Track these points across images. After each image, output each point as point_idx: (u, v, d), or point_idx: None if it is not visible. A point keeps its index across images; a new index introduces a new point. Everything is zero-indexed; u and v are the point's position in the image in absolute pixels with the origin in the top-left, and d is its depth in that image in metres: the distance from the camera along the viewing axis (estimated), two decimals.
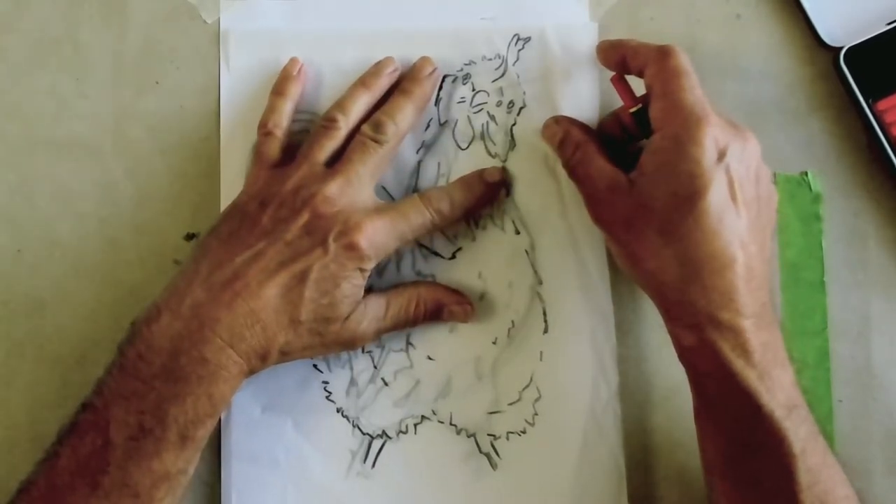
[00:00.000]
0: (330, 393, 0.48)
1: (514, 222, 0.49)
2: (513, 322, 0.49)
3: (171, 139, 0.50)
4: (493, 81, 0.50)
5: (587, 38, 0.50)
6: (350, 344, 0.45)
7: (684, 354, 0.42)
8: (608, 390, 0.48)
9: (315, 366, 0.48)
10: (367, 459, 0.48)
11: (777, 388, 0.40)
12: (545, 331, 0.48)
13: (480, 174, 0.48)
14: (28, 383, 0.49)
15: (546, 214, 0.49)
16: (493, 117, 0.49)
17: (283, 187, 0.44)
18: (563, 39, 0.49)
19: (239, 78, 0.50)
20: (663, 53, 0.42)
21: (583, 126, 0.47)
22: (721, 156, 0.40)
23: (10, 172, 0.50)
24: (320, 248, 0.42)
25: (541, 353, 0.48)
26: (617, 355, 0.48)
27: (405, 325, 0.47)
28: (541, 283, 0.49)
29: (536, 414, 0.48)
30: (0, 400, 0.49)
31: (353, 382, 0.49)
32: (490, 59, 0.49)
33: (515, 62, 0.49)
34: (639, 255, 0.41)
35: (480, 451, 0.48)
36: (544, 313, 0.49)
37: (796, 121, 0.50)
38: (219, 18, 0.50)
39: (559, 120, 0.47)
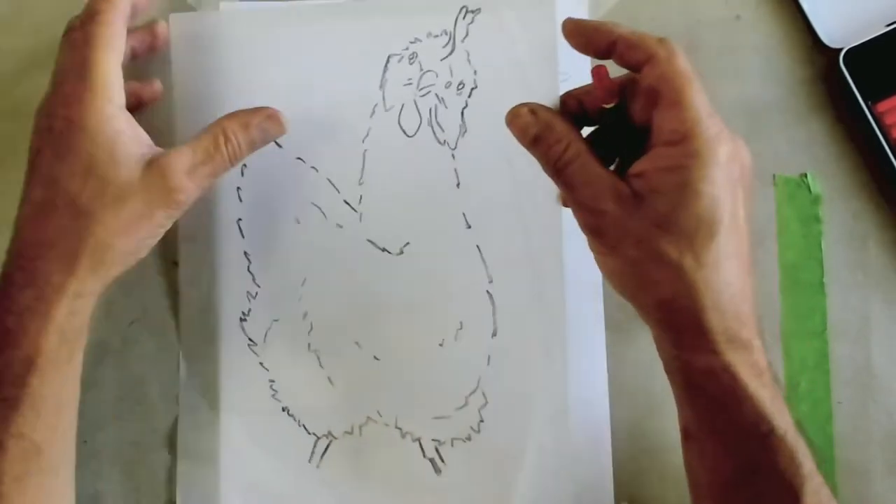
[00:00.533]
0: (276, 392, 0.48)
1: (464, 215, 0.47)
2: (461, 324, 0.47)
3: (170, 139, 0.50)
4: (442, 60, 0.46)
5: (546, 6, 0.46)
6: (172, 203, 0.41)
7: (694, 379, 0.39)
8: (564, 396, 0.47)
9: (261, 364, 0.48)
10: (312, 459, 0.48)
11: (784, 408, 0.39)
12: (494, 333, 0.47)
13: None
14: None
15: (498, 207, 0.47)
16: (442, 100, 0.47)
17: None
18: (519, 9, 0.46)
19: (185, 70, 0.47)
20: (670, 52, 0.38)
21: (564, 117, 0.40)
22: (737, 175, 0.38)
23: (10, 173, 0.50)
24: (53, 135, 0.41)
25: (488, 357, 0.47)
26: (600, 356, 0.48)
27: (227, 162, 0.43)
28: (491, 281, 0.47)
29: (482, 420, 0.47)
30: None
31: (299, 381, 0.48)
32: (437, 36, 0.46)
33: (465, 38, 0.46)
34: (652, 278, 0.38)
35: (424, 456, 0.47)
36: (494, 314, 0.47)
37: (796, 122, 0.50)
38: None
39: (535, 110, 0.40)
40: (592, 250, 0.40)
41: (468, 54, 0.46)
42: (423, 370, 0.47)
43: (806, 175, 0.50)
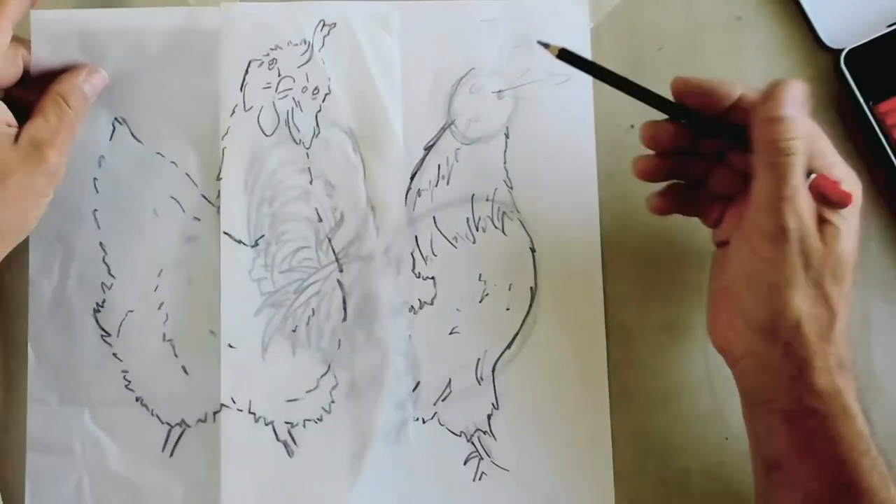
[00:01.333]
0: (129, 382, 0.49)
1: (317, 210, 0.49)
2: (313, 311, 0.49)
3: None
4: (299, 67, 0.50)
5: (392, 25, 0.50)
6: (49, 170, 0.44)
7: (807, 401, 0.40)
8: (410, 372, 0.49)
9: (115, 354, 0.49)
10: (166, 448, 0.48)
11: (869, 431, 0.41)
12: (344, 319, 0.49)
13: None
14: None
15: (348, 204, 0.49)
16: (298, 103, 0.50)
17: None
18: (367, 26, 0.50)
19: (44, 67, 0.48)
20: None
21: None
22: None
23: None
24: None
25: (339, 340, 0.49)
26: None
27: (75, 120, 0.46)
28: (341, 270, 0.49)
29: (333, 402, 0.48)
30: (0, 401, 0.49)
31: (153, 371, 0.49)
32: (296, 45, 0.50)
33: (321, 48, 0.50)
34: (808, 302, 0.40)
35: (277, 439, 0.48)
36: (343, 300, 0.49)
37: None
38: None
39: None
40: (747, 279, 0.41)
41: (323, 62, 0.49)
42: (275, 356, 0.49)
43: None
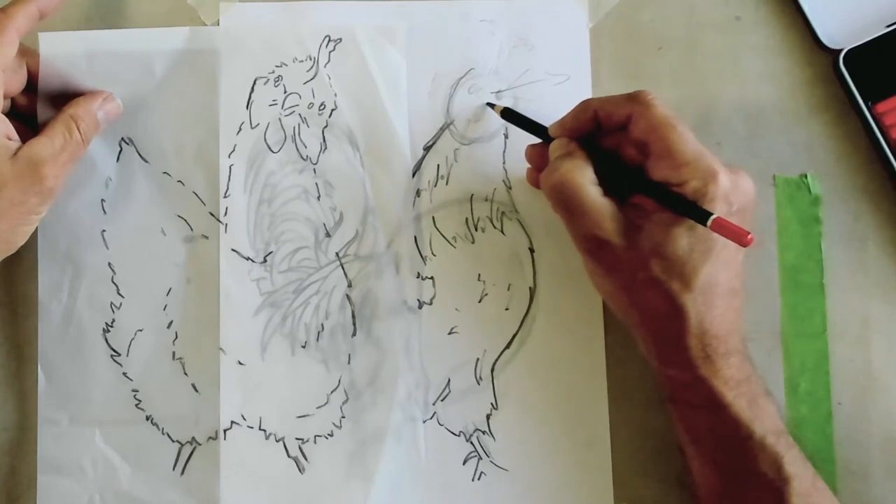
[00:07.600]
0: (139, 401, 0.49)
1: (324, 225, 0.49)
2: (322, 325, 0.49)
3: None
4: (305, 83, 0.50)
5: (397, 40, 0.50)
6: (44, 190, 0.44)
7: (677, 392, 0.43)
8: (419, 381, 0.49)
9: (125, 374, 0.49)
10: (177, 466, 0.48)
11: (764, 415, 0.41)
12: (353, 334, 0.49)
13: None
14: (28, 385, 0.49)
15: (356, 217, 0.49)
16: (304, 119, 0.50)
17: None
18: (373, 39, 0.50)
19: (52, 87, 0.48)
20: (645, 104, 0.41)
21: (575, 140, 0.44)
22: (734, 209, 0.40)
23: None
24: None
25: (349, 355, 0.49)
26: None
27: (81, 146, 0.46)
28: (350, 286, 0.49)
29: (343, 416, 0.48)
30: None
31: (163, 390, 0.49)
32: (301, 61, 0.50)
33: (327, 63, 0.50)
34: (642, 299, 0.41)
35: (288, 455, 0.48)
36: (353, 316, 0.49)
37: (796, 123, 0.50)
38: (218, 20, 0.50)
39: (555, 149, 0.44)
40: (588, 270, 0.44)
41: (329, 78, 0.50)
42: (285, 372, 0.49)
43: (806, 176, 0.50)
